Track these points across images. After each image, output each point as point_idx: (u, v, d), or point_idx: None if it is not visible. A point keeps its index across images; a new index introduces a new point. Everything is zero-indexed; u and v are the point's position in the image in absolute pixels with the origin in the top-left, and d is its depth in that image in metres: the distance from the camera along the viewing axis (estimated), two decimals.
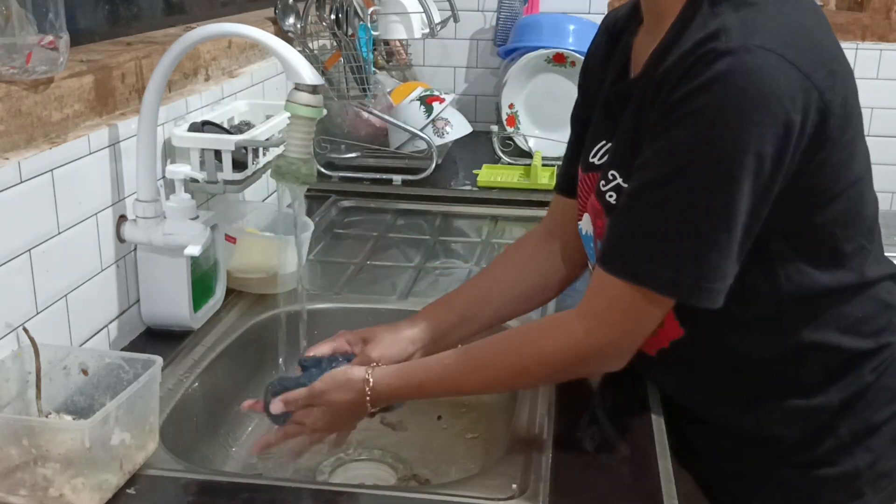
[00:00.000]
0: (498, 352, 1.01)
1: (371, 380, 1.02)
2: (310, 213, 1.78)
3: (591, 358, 0.97)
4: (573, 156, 1.18)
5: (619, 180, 0.98)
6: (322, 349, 1.11)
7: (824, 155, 0.90)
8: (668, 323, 1.01)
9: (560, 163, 1.24)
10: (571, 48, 2.13)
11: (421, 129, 1.96)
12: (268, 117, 1.46)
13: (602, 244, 0.96)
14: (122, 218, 1.21)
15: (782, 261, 0.96)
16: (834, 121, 0.89)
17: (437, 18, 2.12)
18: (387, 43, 2.33)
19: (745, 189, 0.85)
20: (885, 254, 1.07)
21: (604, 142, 1.06)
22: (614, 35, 1.10)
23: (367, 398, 1.02)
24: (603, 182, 1.01)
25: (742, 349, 1.01)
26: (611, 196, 0.99)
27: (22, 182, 1.01)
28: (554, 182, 1.90)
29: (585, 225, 1.09)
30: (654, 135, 0.90)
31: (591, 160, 1.07)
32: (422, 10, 2.09)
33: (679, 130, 0.86)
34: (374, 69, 1.97)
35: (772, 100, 0.84)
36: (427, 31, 2.12)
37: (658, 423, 1.05)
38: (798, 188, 0.90)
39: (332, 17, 1.86)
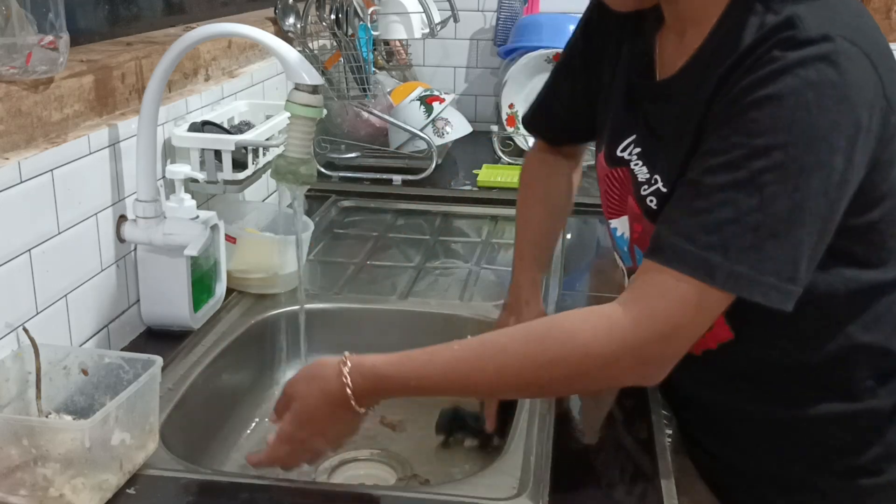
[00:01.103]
0: (521, 339, 0.90)
1: (349, 364, 0.90)
2: (310, 213, 1.78)
3: (633, 354, 0.85)
4: (559, 101, 1.21)
5: (660, 185, 0.96)
6: None
7: (878, 154, 0.87)
8: (716, 325, 0.96)
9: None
10: None
11: (421, 129, 1.96)
12: (268, 117, 1.46)
13: (654, 233, 0.89)
14: (122, 218, 1.21)
15: (833, 260, 0.92)
16: (894, 118, 0.87)
17: (437, 18, 2.12)
18: (387, 43, 2.32)
19: (817, 182, 0.81)
20: None
21: (634, 136, 1.02)
22: (624, 14, 1.06)
23: (349, 390, 0.89)
24: (645, 186, 0.98)
25: (792, 352, 0.97)
26: (651, 201, 0.97)
27: (22, 182, 1.01)
28: None
29: (622, 226, 1.06)
30: (718, 123, 0.85)
31: (619, 154, 1.04)
32: (422, 10, 2.09)
33: (755, 112, 0.82)
34: (374, 69, 1.97)
35: (851, 92, 0.82)
36: (427, 31, 2.12)
37: (658, 423, 1.05)
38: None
39: (332, 17, 1.86)
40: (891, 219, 0.94)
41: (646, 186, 0.98)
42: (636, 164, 1.01)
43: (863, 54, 0.83)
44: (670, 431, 1.04)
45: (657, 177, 0.97)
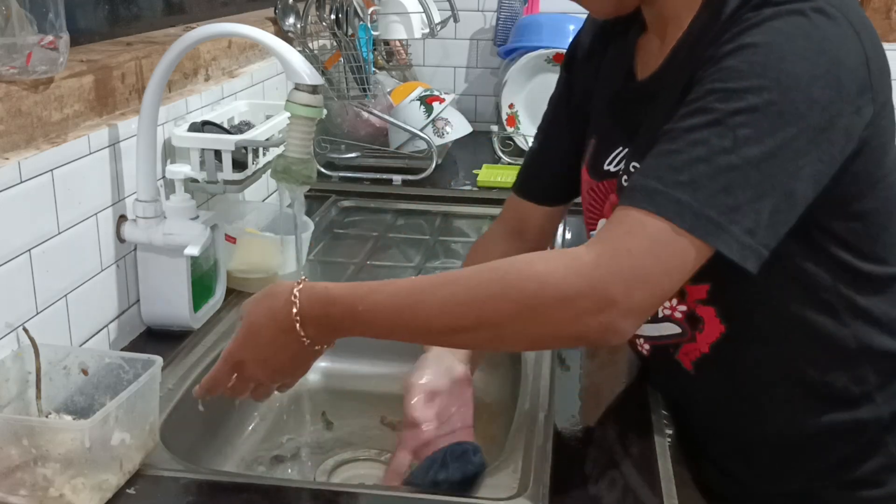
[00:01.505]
0: (478, 269, 0.82)
1: (301, 285, 0.85)
2: (310, 213, 1.78)
3: (594, 293, 0.76)
4: (546, 155, 1.15)
5: None
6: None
7: (867, 133, 0.85)
8: (708, 323, 0.96)
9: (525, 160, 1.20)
10: None
11: (421, 129, 1.96)
12: (268, 117, 1.46)
13: (627, 182, 0.86)
14: (122, 218, 1.21)
15: (826, 250, 0.90)
16: (876, 97, 0.85)
17: (437, 18, 2.12)
18: (387, 43, 2.33)
19: (792, 133, 0.78)
20: None
21: (621, 147, 1.01)
22: (609, 32, 1.07)
23: (295, 309, 0.83)
24: (626, 178, 0.96)
25: (786, 353, 0.95)
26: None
27: (22, 182, 1.01)
28: None
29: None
30: (697, 84, 0.83)
31: (605, 167, 1.02)
32: (422, 10, 2.09)
33: (728, 61, 0.80)
34: (374, 69, 1.97)
35: (829, 45, 0.80)
36: (427, 31, 2.12)
37: (658, 423, 1.05)
38: (842, 170, 0.85)
39: (332, 17, 1.86)
40: (886, 210, 0.92)
41: (626, 178, 0.97)
42: (625, 167, 0.99)
43: (843, 18, 0.82)
44: (671, 432, 1.04)
45: (635, 164, 0.94)
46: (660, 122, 0.89)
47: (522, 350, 1.15)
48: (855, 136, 0.85)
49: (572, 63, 1.14)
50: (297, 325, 0.84)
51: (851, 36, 0.82)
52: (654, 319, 1.00)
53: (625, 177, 0.98)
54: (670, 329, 1.00)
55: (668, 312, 0.99)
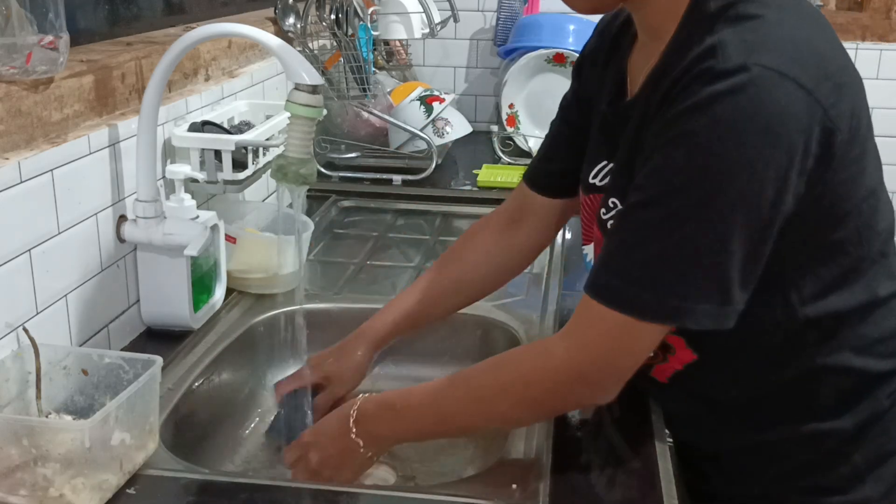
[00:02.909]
0: (479, 370, 0.98)
1: (364, 395, 1.02)
2: (310, 213, 1.78)
3: (570, 383, 0.91)
4: (555, 150, 1.18)
5: (620, 206, 0.95)
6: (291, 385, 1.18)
7: (831, 174, 0.86)
8: (679, 350, 0.98)
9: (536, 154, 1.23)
10: (571, 48, 2.13)
11: (421, 129, 1.96)
12: (268, 117, 1.46)
13: (592, 267, 0.92)
14: (122, 218, 1.21)
15: (795, 283, 0.92)
16: (840, 137, 0.85)
17: (437, 18, 2.12)
18: (387, 43, 2.33)
19: (743, 214, 0.81)
20: None
21: (604, 162, 1.02)
22: (609, 40, 1.08)
23: (354, 409, 1.01)
24: (604, 210, 0.98)
25: (756, 373, 0.97)
26: (611, 224, 0.96)
27: (22, 182, 1.01)
28: None
29: (591, 252, 1.07)
30: (648, 155, 0.86)
31: (591, 181, 1.05)
32: (422, 10, 2.09)
33: (673, 150, 0.82)
34: (374, 69, 1.97)
35: (773, 120, 0.79)
36: (427, 31, 2.12)
37: (658, 423, 1.05)
38: (807, 209, 0.86)
39: (332, 17, 1.86)
40: (856, 239, 0.93)
41: (604, 210, 0.98)
42: (605, 187, 1.01)
43: (787, 79, 0.80)
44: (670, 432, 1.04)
45: (614, 200, 0.96)
46: (627, 150, 0.93)
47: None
48: (816, 179, 0.85)
49: (581, 71, 1.15)
50: (352, 420, 1.00)
51: (798, 95, 0.81)
52: None
53: (603, 210, 0.99)
54: None
55: None
